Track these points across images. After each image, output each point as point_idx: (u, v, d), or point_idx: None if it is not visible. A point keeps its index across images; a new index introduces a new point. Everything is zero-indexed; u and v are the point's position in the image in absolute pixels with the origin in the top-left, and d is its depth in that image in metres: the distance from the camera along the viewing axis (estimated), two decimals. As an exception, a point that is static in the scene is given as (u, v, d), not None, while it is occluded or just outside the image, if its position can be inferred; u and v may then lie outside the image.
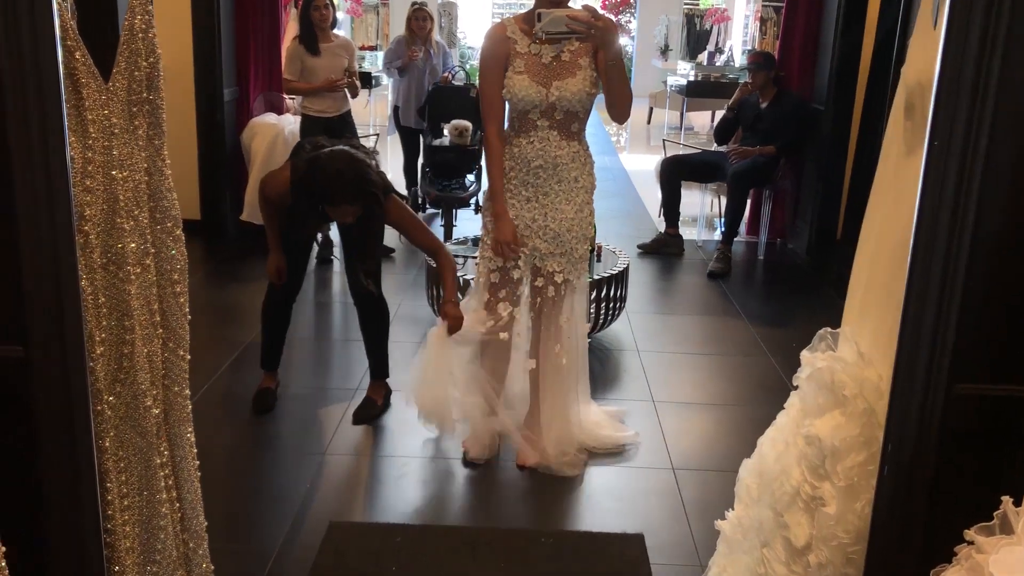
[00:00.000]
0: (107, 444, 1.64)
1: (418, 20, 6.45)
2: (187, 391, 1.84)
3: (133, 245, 1.67)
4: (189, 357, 1.83)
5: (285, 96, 5.94)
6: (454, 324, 2.92)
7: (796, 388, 1.87)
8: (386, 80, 7.84)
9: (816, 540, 1.69)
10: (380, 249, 3.43)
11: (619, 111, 2.83)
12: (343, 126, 5.35)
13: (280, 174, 3.18)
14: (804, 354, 1.83)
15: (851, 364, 1.70)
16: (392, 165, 7.46)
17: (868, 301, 1.74)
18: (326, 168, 2.97)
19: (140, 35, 1.65)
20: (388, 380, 3.51)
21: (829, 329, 1.79)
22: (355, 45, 5.98)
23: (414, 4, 6.63)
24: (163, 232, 1.75)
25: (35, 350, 1.40)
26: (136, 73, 1.65)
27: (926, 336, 1.35)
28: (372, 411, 3.42)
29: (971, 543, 1.28)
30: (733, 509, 2.04)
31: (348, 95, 5.48)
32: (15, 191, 1.32)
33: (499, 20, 2.98)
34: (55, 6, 1.37)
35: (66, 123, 1.35)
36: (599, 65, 2.77)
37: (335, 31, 5.58)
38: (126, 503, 1.70)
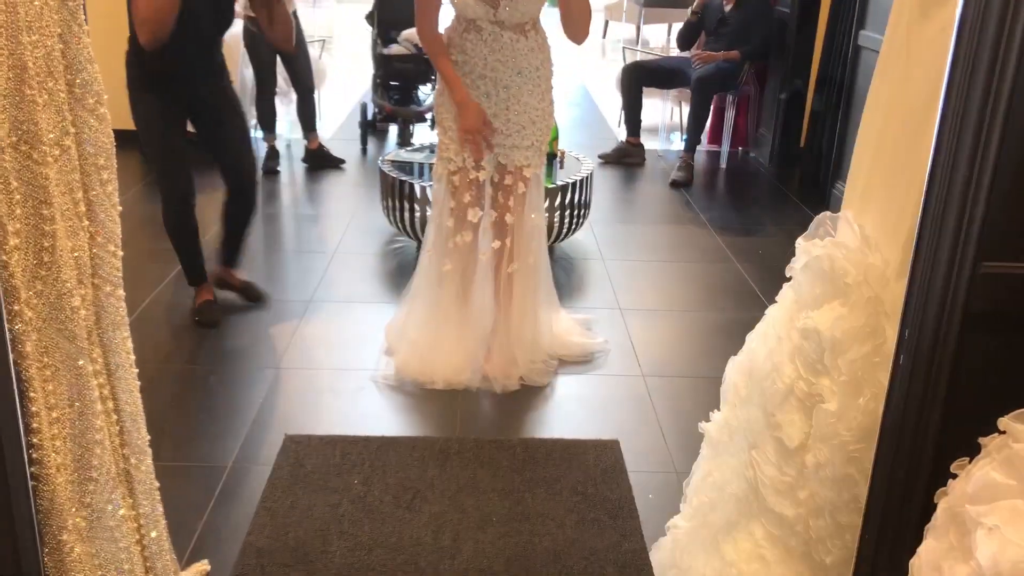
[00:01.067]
0: (28, 349, 1.45)
1: None
2: (121, 291, 1.64)
3: (49, 121, 1.45)
4: (121, 253, 1.63)
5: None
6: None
7: (789, 280, 1.73)
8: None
9: (813, 439, 1.58)
10: (244, 119, 3.23)
11: (576, 29, 2.59)
12: (299, 32, 5.06)
13: None
14: (799, 241, 1.69)
15: (853, 250, 1.56)
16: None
17: (873, 182, 1.60)
18: None
19: None
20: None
21: (829, 213, 1.65)
22: None
23: None
24: (84, 109, 1.53)
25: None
26: (40, -87, 1.41)
27: (953, 209, 1.21)
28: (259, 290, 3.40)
29: (1003, 432, 1.16)
30: (719, 410, 1.92)
31: None
32: None
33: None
34: None
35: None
36: None
37: None
38: (55, 415, 1.52)
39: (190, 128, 3.11)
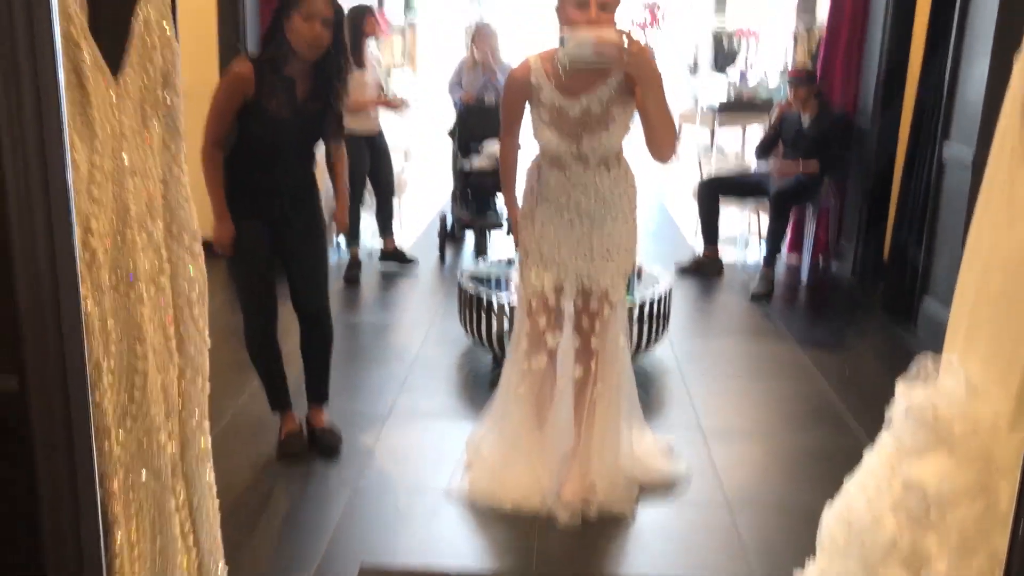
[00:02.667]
0: (115, 487, 1.45)
1: (481, 40, 6.28)
2: (206, 424, 1.65)
3: (146, 262, 1.49)
4: (208, 387, 1.64)
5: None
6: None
7: (889, 425, 1.65)
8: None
9: (921, 601, 1.47)
10: (325, 248, 3.14)
11: (660, 147, 2.55)
12: (381, 144, 5.43)
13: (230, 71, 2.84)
14: (900, 385, 1.61)
15: (959, 398, 1.48)
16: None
17: (977, 325, 1.52)
18: None
19: (155, 26, 1.49)
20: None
21: (931, 355, 1.58)
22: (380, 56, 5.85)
23: (477, 24, 6.55)
24: (180, 247, 1.57)
25: (32, 381, 1.22)
26: (150, 69, 1.48)
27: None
28: (335, 440, 3.20)
29: None
30: (814, 556, 1.81)
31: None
32: (7, 200, 1.14)
33: (525, 58, 2.69)
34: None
35: (66, 123, 1.17)
36: (637, 101, 2.53)
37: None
38: (136, 552, 1.51)
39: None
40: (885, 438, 1.65)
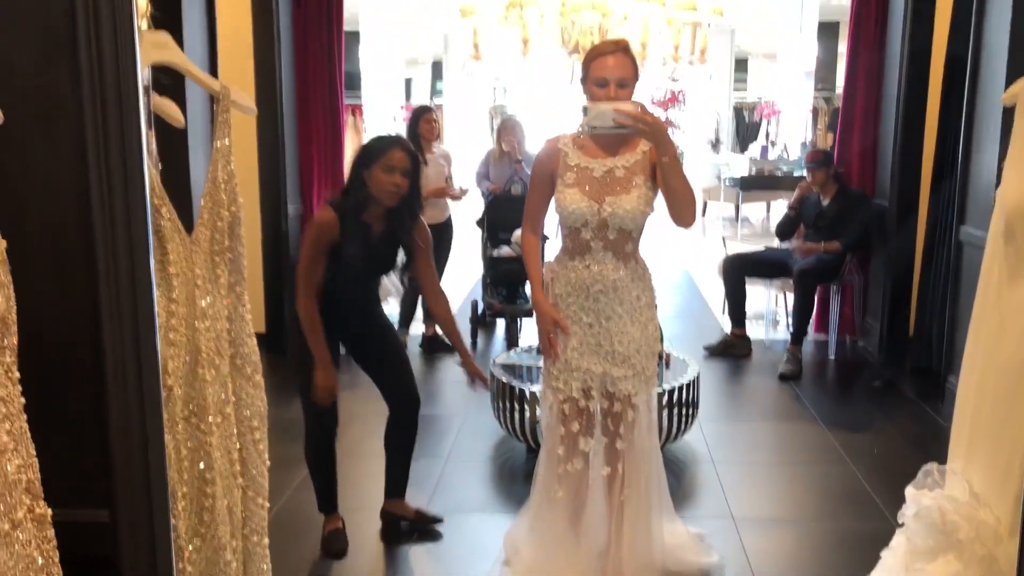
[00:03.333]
0: (187, 603, 1.60)
1: (507, 132, 6.59)
2: (266, 540, 1.80)
3: (214, 395, 1.66)
4: (268, 505, 1.79)
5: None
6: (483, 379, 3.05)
7: (902, 525, 1.76)
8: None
9: None
10: (400, 344, 3.36)
11: (681, 213, 2.68)
12: (448, 231, 5.99)
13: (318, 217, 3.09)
14: (909, 490, 1.73)
15: (963, 504, 1.59)
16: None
17: (977, 435, 1.64)
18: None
19: (223, 185, 1.68)
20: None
21: (936, 465, 1.69)
22: (451, 154, 6.29)
23: (503, 116, 6.90)
24: (243, 379, 1.74)
25: (121, 515, 1.37)
26: (219, 223, 1.67)
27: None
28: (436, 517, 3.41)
29: None
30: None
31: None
32: (106, 358, 1.32)
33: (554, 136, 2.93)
34: (146, 169, 1.40)
35: (154, 286, 1.35)
36: (656, 173, 2.71)
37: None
38: (205, 662, 1.65)
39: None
40: (898, 538, 1.76)
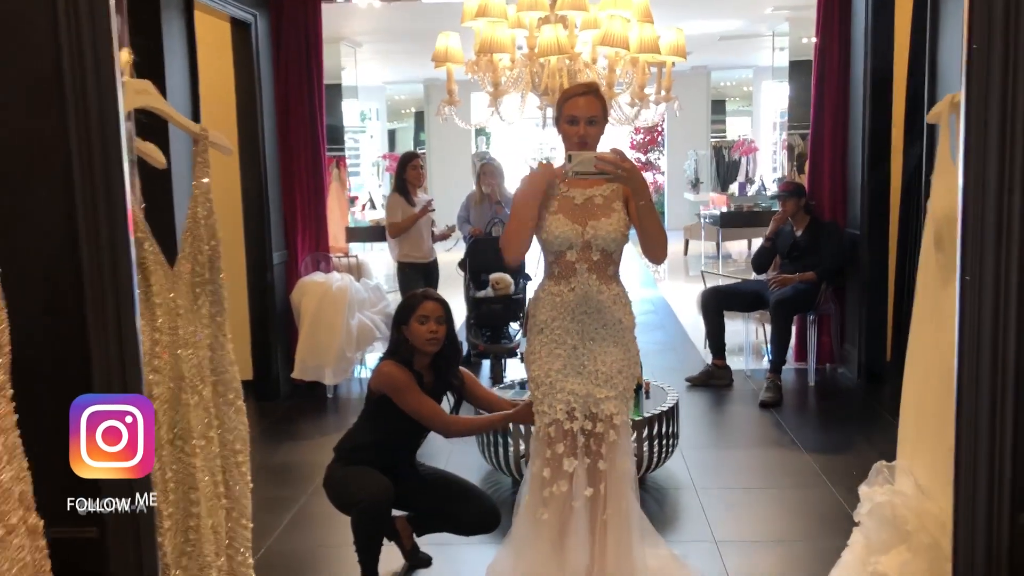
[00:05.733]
0: (175, 619, 1.66)
1: (487, 176, 6.74)
2: (250, 559, 1.87)
3: (197, 419, 1.74)
4: (251, 525, 1.86)
5: (332, 256, 6.26)
6: (527, 411, 3.10)
7: (858, 524, 1.84)
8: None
9: None
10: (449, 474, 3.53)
11: (654, 252, 2.91)
12: (435, 270, 6.23)
13: (389, 372, 3.23)
14: (862, 489, 1.82)
15: (911, 497, 1.69)
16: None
17: (921, 432, 1.74)
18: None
19: (203, 221, 1.78)
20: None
21: (885, 463, 1.78)
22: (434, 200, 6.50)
23: (482, 159, 7.09)
24: (225, 404, 1.83)
25: (109, 531, 1.45)
26: (199, 257, 1.77)
27: (983, 468, 1.35)
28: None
29: None
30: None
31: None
32: (92, 385, 1.41)
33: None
34: (129, 207, 1.50)
35: (138, 314, 1.44)
36: (631, 211, 2.87)
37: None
38: None
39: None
40: (856, 535, 1.84)
